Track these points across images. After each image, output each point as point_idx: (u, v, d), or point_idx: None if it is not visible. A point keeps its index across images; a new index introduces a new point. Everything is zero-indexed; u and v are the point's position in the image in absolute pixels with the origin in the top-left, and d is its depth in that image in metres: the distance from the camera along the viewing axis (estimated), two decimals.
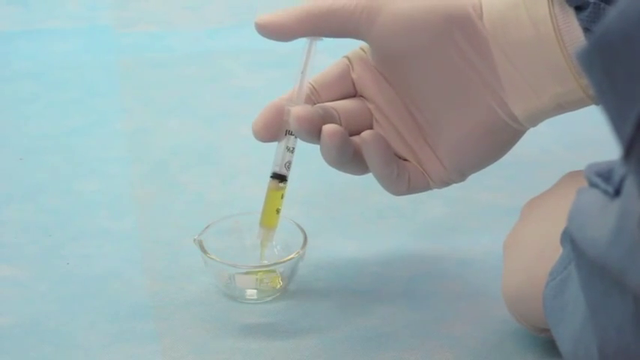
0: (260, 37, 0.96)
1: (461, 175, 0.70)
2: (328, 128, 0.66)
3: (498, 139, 0.69)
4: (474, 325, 0.69)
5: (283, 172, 0.70)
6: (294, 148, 0.69)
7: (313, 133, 0.67)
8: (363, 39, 0.68)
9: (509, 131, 0.68)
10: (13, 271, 0.75)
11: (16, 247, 0.77)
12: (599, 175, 0.50)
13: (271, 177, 0.70)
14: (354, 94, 0.70)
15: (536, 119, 0.68)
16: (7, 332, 0.69)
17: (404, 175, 0.69)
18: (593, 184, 0.51)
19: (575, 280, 0.55)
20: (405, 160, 0.70)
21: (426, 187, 0.70)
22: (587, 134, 0.93)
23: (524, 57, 0.66)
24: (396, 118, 0.69)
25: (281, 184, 0.70)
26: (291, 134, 0.69)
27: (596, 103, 0.66)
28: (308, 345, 0.68)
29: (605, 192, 0.50)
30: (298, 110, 0.67)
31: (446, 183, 0.70)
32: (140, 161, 0.88)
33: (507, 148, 0.69)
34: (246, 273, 0.71)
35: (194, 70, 1.04)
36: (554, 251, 0.60)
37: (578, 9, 0.64)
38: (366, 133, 0.67)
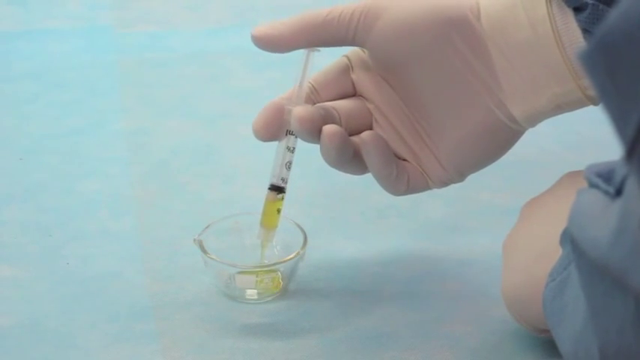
0: None
1: (460, 176, 0.70)
2: (328, 129, 0.66)
3: (497, 139, 0.69)
4: (474, 325, 0.69)
5: (281, 183, 0.70)
6: (294, 148, 0.69)
7: (314, 133, 0.67)
8: (361, 46, 0.68)
9: (508, 132, 0.68)
10: (13, 271, 0.74)
11: (16, 247, 0.77)
12: (600, 175, 0.50)
13: (269, 189, 0.70)
14: (353, 93, 0.70)
15: (534, 120, 0.68)
16: (7, 332, 0.69)
17: (403, 176, 0.69)
18: (593, 185, 0.51)
19: (574, 281, 0.55)
20: (404, 160, 0.70)
21: (425, 188, 0.70)
22: (587, 134, 0.93)
23: (522, 58, 0.66)
24: (395, 119, 0.69)
25: (279, 196, 0.70)
26: (291, 134, 0.69)
27: (595, 104, 0.66)
28: (308, 345, 0.68)
29: (606, 192, 0.49)
30: (300, 111, 0.67)
31: (445, 183, 0.70)
32: (140, 161, 0.88)
33: (506, 148, 0.69)
34: (246, 273, 0.71)
35: (194, 70, 1.04)
36: (554, 252, 0.60)
37: (577, 10, 0.64)
38: (365, 134, 0.67)
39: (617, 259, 0.46)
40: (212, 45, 1.09)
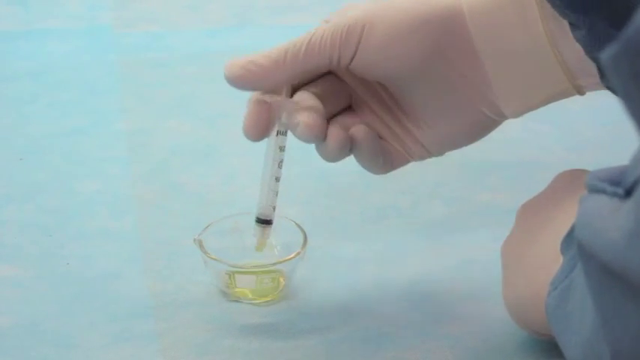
0: (260, 37, 0.96)
1: (441, 154, 0.70)
2: (336, 138, 0.66)
3: (483, 130, 0.69)
4: (474, 325, 0.69)
5: (269, 215, 0.70)
6: (284, 146, 0.69)
7: (320, 136, 0.66)
8: (347, 67, 0.67)
9: (495, 123, 0.69)
10: (13, 271, 0.74)
11: (16, 247, 0.77)
12: (605, 180, 0.50)
13: (256, 222, 0.70)
14: (329, 70, 0.69)
15: (523, 114, 0.68)
16: (7, 332, 0.69)
17: (387, 160, 0.69)
18: (597, 190, 0.50)
19: (579, 288, 0.54)
20: (382, 139, 0.69)
21: (405, 164, 0.70)
22: (587, 135, 0.93)
23: (514, 62, 0.66)
24: (375, 105, 0.69)
25: (267, 226, 0.70)
26: (282, 134, 0.68)
27: (581, 94, 0.66)
28: (308, 345, 0.68)
29: (614, 195, 0.49)
30: (307, 118, 0.65)
31: (424, 158, 0.70)
32: (140, 161, 0.88)
33: (489, 133, 0.70)
34: (246, 273, 0.71)
35: (194, 70, 1.04)
36: (554, 260, 0.60)
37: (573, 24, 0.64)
38: (356, 131, 0.67)
39: (635, 261, 0.45)
40: (212, 45, 1.09)
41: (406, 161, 0.70)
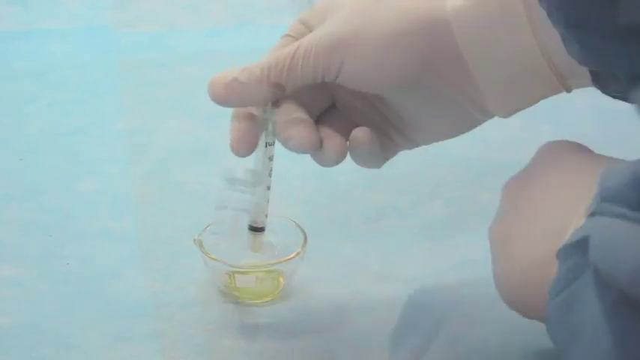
0: (260, 37, 0.96)
1: (428, 144, 0.70)
2: (334, 146, 0.66)
3: (472, 126, 0.69)
4: (474, 325, 0.69)
5: (261, 221, 0.69)
6: (273, 156, 0.69)
7: (316, 146, 0.66)
8: (331, 82, 0.66)
9: (485, 120, 0.69)
10: (13, 271, 0.74)
11: (16, 247, 0.77)
12: (622, 203, 0.49)
13: (249, 229, 0.70)
14: None
15: (513, 114, 0.68)
16: (7, 332, 0.69)
17: (382, 156, 0.69)
18: (617, 216, 0.49)
19: (587, 305, 0.53)
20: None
21: (395, 154, 0.70)
22: (588, 135, 0.93)
23: (504, 69, 0.65)
24: (367, 110, 0.69)
25: (259, 233, 0.70)
26: (271, 144, 0.68)
27: (568, 92, 0.66)
28: (308, 345, 0.68)
29: (636, 221, 0.48)
30: (301, 134, 0.65)
31: (412, 148, 0.70)
32: (140, 161, 0.88)
33: (479, 125, 0.70)
34: (246, 273, 0.71)
35: (194, 70, 1.04)
36: (541, 237, 0.59)
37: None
38: (359, 132, 0.66)
39: None
40: (212, 45, 1.09)
41: (396, 152, 0.70)
